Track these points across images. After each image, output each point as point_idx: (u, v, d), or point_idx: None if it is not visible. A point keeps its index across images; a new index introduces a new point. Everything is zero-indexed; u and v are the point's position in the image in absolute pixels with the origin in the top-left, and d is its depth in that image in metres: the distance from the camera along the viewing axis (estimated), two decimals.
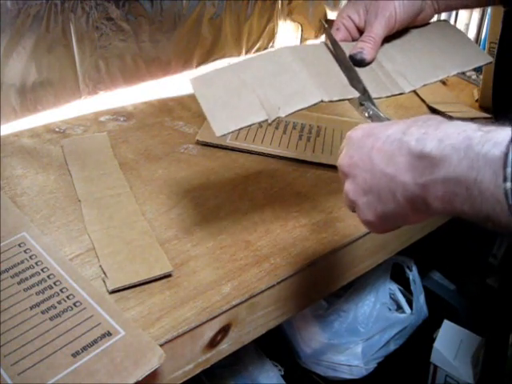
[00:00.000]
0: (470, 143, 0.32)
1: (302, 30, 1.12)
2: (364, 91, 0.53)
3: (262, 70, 0.54)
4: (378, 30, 0.57)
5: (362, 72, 0.56)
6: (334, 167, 0.72)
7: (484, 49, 0.99)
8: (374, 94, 0.54)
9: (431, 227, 0.75)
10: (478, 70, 1.04)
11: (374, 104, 0.52)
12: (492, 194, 0.31)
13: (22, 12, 0.71)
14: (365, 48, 0.56)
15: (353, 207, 0.43)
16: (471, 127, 0.33)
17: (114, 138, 0.76)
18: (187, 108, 0.86)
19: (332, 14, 1.13)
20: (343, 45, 0.58)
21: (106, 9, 0.80)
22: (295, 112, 0.50)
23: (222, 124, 0.49)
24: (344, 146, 0.44)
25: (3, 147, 0.73)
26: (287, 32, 1.11)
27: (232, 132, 0.49)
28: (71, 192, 0.65)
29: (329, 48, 0.58)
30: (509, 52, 0.82)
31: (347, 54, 0.57)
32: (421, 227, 0.73)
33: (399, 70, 0.57)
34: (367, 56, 0.56)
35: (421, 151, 0.35)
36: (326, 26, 0.61)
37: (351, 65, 0.55)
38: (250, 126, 0.50)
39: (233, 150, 0.75)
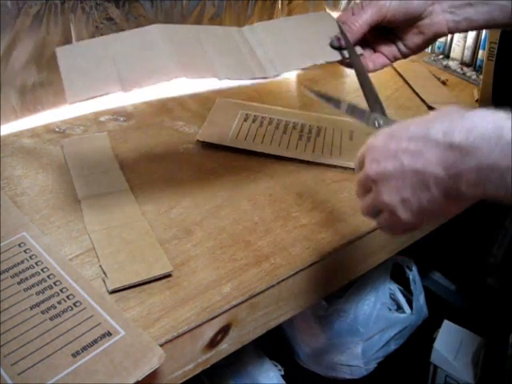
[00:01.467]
0: (500, 133, 0.34)
1: None
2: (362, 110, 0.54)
3: (129, 45, 0.54)
4: (366, 15, 0.59)
5: (232, 56, 0.57)
6: (333, 167, 0.73)
7: (484, 49, 1.00)
8: (235, 76, 0.55)
9: (431, 227, 0.75)
10: (478, 69, 1.04)
11: (384, 114, 0.53)
12: None
13: (22, 12, 0.71)
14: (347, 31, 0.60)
15: (376, 213, 0.44)
16: (500, 116, 0.35)
17: (114, 137, 0.76)
18: (187, 108, 0.86)
19: (332, 14, 1.13)
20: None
21: (106, 9, 0.80)
22: (150, 86, 0.51)
23: (76, 92, 0.49)
24: (363, 156, 0.44)
25: (3, 147, 0.73)
26: None
27: (84, 100, 0.49)
28: (71, 192, 0.65)
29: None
30: (509, 52, 0.82)
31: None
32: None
33: (268, 56, 0.59)
34: (342, 42, 0.60)
35: (449, 143, 0.36)
36: None
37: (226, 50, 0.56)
38: (102, 95, 0.49)
39: (233, 149, 0.75)
